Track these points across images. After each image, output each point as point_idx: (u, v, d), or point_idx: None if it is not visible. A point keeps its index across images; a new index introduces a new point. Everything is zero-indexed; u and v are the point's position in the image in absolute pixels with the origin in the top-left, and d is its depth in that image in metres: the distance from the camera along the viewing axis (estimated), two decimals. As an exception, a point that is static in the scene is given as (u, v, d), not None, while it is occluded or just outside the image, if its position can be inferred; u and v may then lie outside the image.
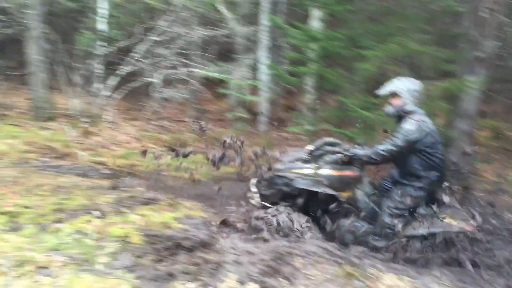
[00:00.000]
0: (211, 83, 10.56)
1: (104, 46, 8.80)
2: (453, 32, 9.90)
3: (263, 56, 8.02)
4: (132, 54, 9.40)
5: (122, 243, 3.97)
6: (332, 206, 4.68)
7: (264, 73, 7.96)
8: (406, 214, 4.64)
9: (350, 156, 4.66)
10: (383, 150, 4.56)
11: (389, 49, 6.31)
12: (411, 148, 4.55)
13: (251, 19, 11.40)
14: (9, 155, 6.50)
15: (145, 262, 3.78)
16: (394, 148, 4.54)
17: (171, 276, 3.61)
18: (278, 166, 4.86)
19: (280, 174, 4.77)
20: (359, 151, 4.67)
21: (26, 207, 4.47)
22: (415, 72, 8.06)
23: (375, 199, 4.89)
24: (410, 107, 4.62)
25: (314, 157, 4.78)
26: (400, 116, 4.69)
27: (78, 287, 3.07)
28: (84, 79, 8.73)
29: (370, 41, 6.74)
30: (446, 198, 4.71)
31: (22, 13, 9.03)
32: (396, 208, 4.63)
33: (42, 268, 3.29)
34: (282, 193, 4.75)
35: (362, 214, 4.77)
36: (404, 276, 4.14)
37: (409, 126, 4.51)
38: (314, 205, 4.78)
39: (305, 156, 4.82)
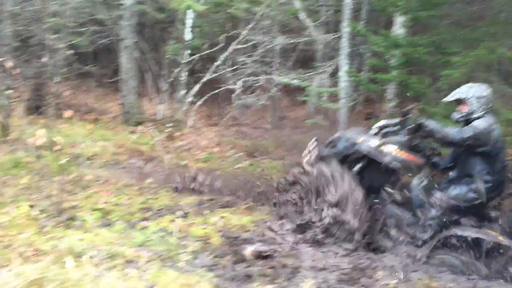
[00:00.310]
0: (290, 90, 10.68)
1: (188, 55, 9.21)
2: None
3: (343, 63, 7.98)
4: (214, 62, 9.74)
5: (203, 243, 4.15)
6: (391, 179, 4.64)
7: (344, 80, 7.90)
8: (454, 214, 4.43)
9: (420, 124, 4.40)
10: (452, 134, 4.31)
11: (477, 55, 6.01)
12: (476, 145, 4.30)
13: (332, 26, 11.39)
14: (101, 157, 6.99)
15: (224, 262, 3.91)
16: (461, 136, 4.27)
17: (248, 277, 3.71)
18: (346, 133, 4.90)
19: (346, 136, 4.78)
20: (432, 123, 4.42)
21: (117, 205, 4.81)
22: (505, 79, 7.62)
23: (427, 193, 4.63)
24: (477, 114, 4.40)
25: (382, 134, 4.71)
26: (468, 123, 4.45)
27: (162, 281, 3.24)
28: (169, 86, 9.20)
29: (456, 47, 6.46)
30: (493, 213, 4.48)
31: (116, 24, 9.71)
32: (446, 204, 4.41)
33: (130, 262, 3.52)
34: (342, 155, 4.67)
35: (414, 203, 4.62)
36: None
37: (481, 122, 4.28)
38: (370, 175, 4.69)
39: (374, 130, 4.78)
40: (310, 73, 8.87)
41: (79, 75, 12.44)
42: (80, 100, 11.53)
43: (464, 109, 4.49)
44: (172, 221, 4.50)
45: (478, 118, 4.38)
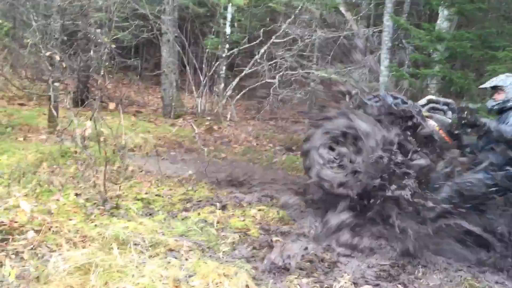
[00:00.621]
0: (329, 85, 10.60)
1: (227, 49, 9.31)
2: None
3: (384, 58, 7.86)
4: (253, 56, 9.80)
5: (241, 234, 4.22)
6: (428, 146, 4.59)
7: (384, 75, 7.78)
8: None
9: (480, 123, 4.39)
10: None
11: (524, 50, 5.82)
12: None
13: (373, 20, 11.22)
14: (143, 148, 7.18)
15: (261, 254, 3.97)
16: None
17: (286, 269, 3.75)
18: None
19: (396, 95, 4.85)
20: (492, 123, 4.38)
21: (158, 195, 4.95)
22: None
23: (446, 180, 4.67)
24: None
25: (429, 108, 4.76)
26: (502, 111, 4.50)
27: (202, 271, 3.33)
28: (209, 79, 9.32)
29: (503, 41, 6.26)
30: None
31: (158, 18, 9.89)
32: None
33: (172, 250, 3.63)
34: (385, 111, 4.64)
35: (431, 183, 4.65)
36: None
37: None
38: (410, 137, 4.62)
39: (422, 101, 4.87)
40: (350, 68, 8.76)
41: (121, 68, 12.78)
42: (122, 93, 11.83)
43: (500, 96, 4.53)
44: (212, 212, 4.59)
45: None
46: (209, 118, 9.04)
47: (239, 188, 5.78)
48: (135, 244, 3.50)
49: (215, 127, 8.88)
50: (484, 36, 6.31)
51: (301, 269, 3.81)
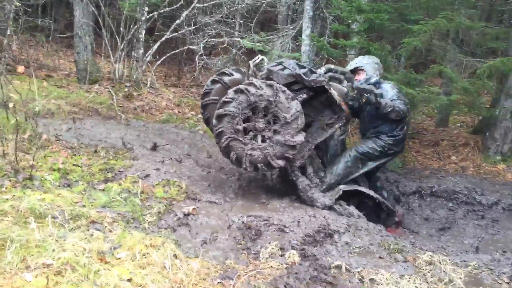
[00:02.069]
0: (251, 53, 10.57)
1: (147, 12, 8.86)
2: (504, 8, 9.54)
3: (306, 27, 7.92)
4: (174, 20, 9.45)
5: (167, 204, 4.13)
6: (328, 119, 4.86)
7: (305, 44, 7.87)
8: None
9: (372, 96, 4.90)
10: (402, 104, 4.89)
11: (437, 24, 6.12)
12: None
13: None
14: (56, 115, 6.72)
15: (188, 223, 3.93)
16: (407, 105, 4.97)
17: (213, 239, 3.75)
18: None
19: (301, 64, 4.92)
20: (384, 99, 4.90)
21: (76, 165, 4.67)
22: (462, 48, 7.85)
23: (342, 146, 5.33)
24: (375, 78, 5.15)
25: (328, 76, 4.90)
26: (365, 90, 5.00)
27: (128, 242, 3.22)
28: (127, 44, 8.85)
29: (418, 15, 6.55)
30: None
31: (69, -25, 9.16)
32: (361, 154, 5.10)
33: (94, 223, 3.46)
34: (294, 79, 4.71)
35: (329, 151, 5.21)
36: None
37: (396, 88, 5.05)
38: (310, 109, 4.84)
39: (321, 70, 5.00)
40: (272, 36, 8.76)
41: (27, 28, 11.76)
42: (29, 55, 10.92)
43: (362, 76, 5.19)
44: (135, 182, 4.42)
45: (375, 83, 5.06)
46: (127, 84, 8.63)
47: (161, 153, 5.65)
48: (54, 217, 3.30)
49: (135, 94, 8.51)
50: (400, 9, 6.56)
51: (228, 236, 3.84)
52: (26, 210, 3.27)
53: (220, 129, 4.31)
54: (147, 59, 9.08)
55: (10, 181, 3.89)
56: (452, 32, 7.32)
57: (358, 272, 3.55)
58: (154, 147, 5.75)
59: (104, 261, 2.94)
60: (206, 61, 9.23)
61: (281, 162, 4.37)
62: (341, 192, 4.86)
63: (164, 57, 9.62)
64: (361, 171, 5.12)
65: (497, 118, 7.16)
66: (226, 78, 5.14)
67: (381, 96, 4.92)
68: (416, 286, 3.43)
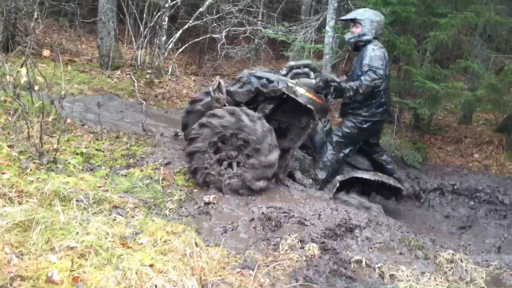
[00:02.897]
0: (274, 43, 10.49)
1: (170, -1, 8.86)
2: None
3: (330, 18, 7.82)
4: (197, 8, 9.42)
5: (188, 191, 4.15)
6: (303, 120, 4.76)
7: (329, 36, 7.77)
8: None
9: (334, 86, 4.63)
10: (367, 81, 4.58)
11: (466, 18, 5.99)
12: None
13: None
14: (80, 100, 6.79)
15: (209, 212, 3.94)
16: (377, 77, 4.58)
17: (234, 228, 3.76)
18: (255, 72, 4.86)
19: (259, 74, 4.74)
20: (344, 83, 4.67)
21: (99, 150, 4.71)
22: (489, 44, 7.68)
23: (328, 135, 5.09)
24: (369, 36, 4.78)
25: (292, 74, 4.74)
26: (357, 45, 4.87)
27: (150, 228, 3.24)
28: (150, 31, 8.87)
29: (446, 8, 6.41)
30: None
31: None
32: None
33: (117, 207, 3.50)
34: (254, 93, 4.66)
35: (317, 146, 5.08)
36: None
37: (377, 52, 4.65)
38: (282, 115, 4.82)
39: (283, 71, 4.80)
40: (296, 27, 8.68)
41: (51, 13, 11.86)
42: (52, 39, 11.02)
43: (357, 30, 4.85)
44: (156, 169, 4.45)
45: (367, 41, 4.76)
46: (149, 71, 8.65)
47: (182, 142, 5.66)
48: (78, 201, 3.33)
49: (156, 81, 8.54)
50: (428, 1, 6.43)
51: (248, 226, 3.84)
52: (51, 193, 3.32)
53: (194, 166, 4.28)
54: (169, 46, 9.08)
55: (34, 163, 3.95)
56: (479, 27, 7.16)
57: (378, 267, 3.52)
58: (176, 135, 5.76)
59: (126, 246, 2.97)
60: (228, 50, 9.18)
61: (262, 184, 4.31)
62: (338, 184, 4.81)
63: (186, 45, 9.61)
64: (350, 154, 4.99)
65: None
66: (197, 106, 5.11)
67: (346, 81, 4.75)
68: (437, 284, 3.39)
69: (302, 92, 4.58)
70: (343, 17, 5.17)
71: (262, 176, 4.30)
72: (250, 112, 4.33)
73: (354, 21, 4.90)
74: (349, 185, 4.97)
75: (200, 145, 4.25)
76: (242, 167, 4.31)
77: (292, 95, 4.54)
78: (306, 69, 4.81)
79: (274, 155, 4.30)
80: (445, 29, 6.16)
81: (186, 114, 5.28)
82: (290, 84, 4.55)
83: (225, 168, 4.32)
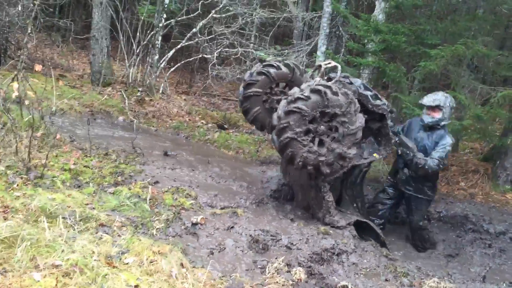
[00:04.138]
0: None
1: (164, 19, 8.93)
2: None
3: (321, 43, 7.96)
4: (190, 29, 9.51)
5: (175, 211, 4.11)
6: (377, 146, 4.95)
7: (320, 61, 7.89)
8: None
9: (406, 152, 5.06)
10: (429, 166, 5.05)
11: (456, 50, 6.13)
12: None
13: (311, 4, 11.33)
14: (69, 115, 6.76)
15: (195, 232, 3.91)
16: (435, 168, 5.06)
17: (221, 249, 3.74)
18: None
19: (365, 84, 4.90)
20: (419, 157, 5.07)
21: (87, 167, 4.68)
22: (476, 75, 7.84)
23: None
24: (447, 122, 5.23)
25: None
26: (433, 128, 5.22)
27: (136, 247, 3.21)
28: (142, 49, 8.92)
29: (436, 39, 6.57)
30: None
31: (90, -22, 9.26)
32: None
33: (103, 226, 3.45)
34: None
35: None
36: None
37: (451, 140, 5.15)
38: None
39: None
40: (287, 50, 8.80)
41: (44, 27, 11.88)
42: (44, 54, 11.03)
43: (437, 115, 5.18)
44: (144, 187, 4.42)
45: (443, 126, 5.20)
46: (140, 89, 8.67)
47: (170, 159, 5.66)
48: (64, 218, 3.29)
49: (147, 99, 8.55)
50: (418, 32, 6.58)
51: (235, 249, 3.82)
52: (37, 209, 3.27)
53: (285, 125, 4.10)
54: (161, 65, 9.13)
55: (21, 178, 3.91)
56: (467, 58, 7.32)
57: (364, 293, 3.51)
58: (165, 154, 5.76)
59: (112, 265, 2.93)
60: (219, 70, 9.25)
61: (328, 169, 4.26)
62: (354, 219, 4.78)
63: (178, 65, 9.67)
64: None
65: (508, 147, 7.12)
66: (272, 71, 4.95)
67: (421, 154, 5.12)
68: (422, 312, 3.39)
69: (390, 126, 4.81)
70: (426, 103, 5.23)
71: (334, 163, 4.26)
72: (357, 102, 4.29)
73: (437, 106, 5.17)
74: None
75: (303, 109, 4.07)
76: (334, 141, 4.24)
77: (388, 122, 4.76)
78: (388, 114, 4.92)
79: (354, 151, 4.31)
80: (435, 60, 6.28)
81: (243, 100, 5.08)
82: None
83: (309, 140, 4.18)
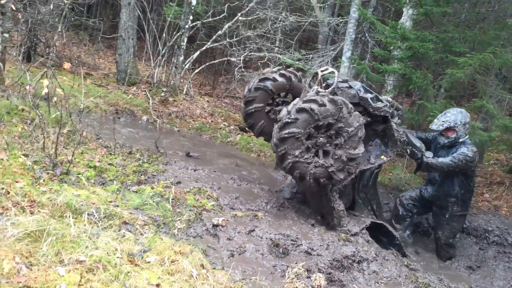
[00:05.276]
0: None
1: (190, 20, 9.01)
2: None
3: (346, 50, 7.91)
4: (216, 31, 9.57)
5: (197, 212, 4.13)
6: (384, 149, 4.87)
7: (345, 66, 7.85)
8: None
9: (418, 156, 5.03)
10: (451, 162, 5.01)
11: (484, 58, 6.02)
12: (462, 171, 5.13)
13: (337, 10, 11.28)
14: (95, 113, 6.87)
15: (216, 234, 3.92)
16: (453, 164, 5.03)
17: (242, 251, 3.73)
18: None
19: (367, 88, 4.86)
20: (432, 159, 5.03)
21: (111, 165, 4.74)
22: (504, 85, 7.69)
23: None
24: (464, 138, 5.15)
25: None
26: (452, 146, 5.17)
27: (158, 246, 3.23)
28: (168, 50, 9.01)
29: (464, 47, 6.46)
30: None
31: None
32: None
33: (126, 224, 3.49)
34: (357, 101, 4.67)
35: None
36: None
37: (469, 152, 5.03)
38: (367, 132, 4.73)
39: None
40: (312, 55, 8.77)
41: (72, 26, 12.10)
42: (71, 52, 11.22)
43: (452, 134, 5.16)
44: (167, 187, 4.45)
45: (462, 142, 5.13)
46: (164, 89, 8.75)
47: (194, 161, 5.69)
48: (89, 214, 3.33)
49: (170, 100, 8.62)
50: (446, 40, 6.48)
51: (255, 252, 3.81)
52: (63, 204, 3.32)
53: (284, 151, 4.14)
54: (186, 66, 9.20)
55: (48, 174, 3.97)
56: (495, 67, 7.19)
57: (385, 303, 3.47)
58: (187, 155, 5.79)
59: (134, 263, 2.96)
60: (244, 74, 9.28)
61: (342, 175, 4.26)
62: (368, 222, 4.75)
63: (202, 66, 9.73)
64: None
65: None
66: (269, 84, 5.05)
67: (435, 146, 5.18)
68: (443, 325, 3.33)
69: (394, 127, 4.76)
70: (435, 129, 5.22)
71: (345, 167, 4.26)
72: (349, 103, 4.27)
73: (448, 128, 5.15)
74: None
75: (295, 131, 4.09)
76: (328, 157, 4.23)
77: (392, 124, 4.73)
78: (395, 112, 4.93)
79: (360, 149, 4.27)
80: (462, 68, 6.18)
81: (246, 117, 5.21)
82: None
83: (312, 156, 4.21)
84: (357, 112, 4.31)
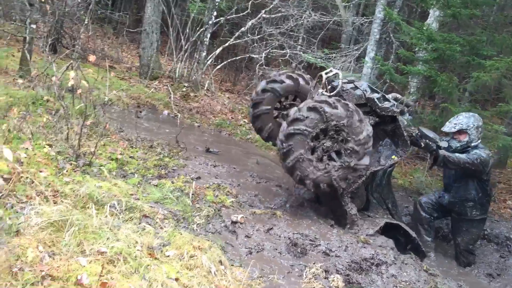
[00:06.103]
0: (311, 68, 10.54)
1: (214, 16, 9.03)
2: None
3: (371, 49, 7.83)
4: (239, 28, 9.57)
5: (216, 208, 4.14)
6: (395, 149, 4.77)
7: (368, 67, 7.77)
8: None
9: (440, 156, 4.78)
10: (467, 159, 4.82)
11: (511, 62, 5.89)
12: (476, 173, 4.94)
13: (362, 9, 11.17)
14: (117, 106, 6.93)
15: (235, 230, 3.92)
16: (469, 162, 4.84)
17: (260, 249, 3.73)
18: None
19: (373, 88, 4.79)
20: (449, 153, 4.83)
21: (132, 158, 4.78)
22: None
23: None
24: (476, 142, 5.00)
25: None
26: (464, 150, 5.00)
27: (177, 241, 3.24)
28: (191, 45, 9.04)
29: (492, 51, 6.34)
30: None
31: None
32: None
33: (147, 217, 3.51)
34: (364, 102, 4.61)
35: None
36: None
37: (482, 153, 4.87)
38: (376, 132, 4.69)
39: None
40: (335, 54, 8.71)
41: (96, 19, 12.23)
42: (96, 45, 11.34)
43: (464, 137, 5.03)
44: (187, 182, 4.47)
45: (474, 146, 4.97)
46: (186, 84, 8.80)
47: (213, 156, 5.71)
48: (111, 206, 3.36)
49: (191, 95, 8.66)
50: (473, 42, 6.36)
51: (273, 250, 3.81)
52: (85, 195, 3.36)
53: (289, 148, 4.08)
54: (208, 62, 9.22)
55: (71, 164, 4.03)
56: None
57: (403, 307, 3.43)
58: (207, 150, 5.81)
59: (153, 256, 2.98)
60: (265, 71, 9.27)
61: (343, 184, 4.21)
62: (383, 223, 4.69)
63: (224, 62, 9.75)
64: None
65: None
66: (276, 86, 5.03)
67: (446, 149, 4.86)
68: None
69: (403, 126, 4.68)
70: (447, 130, 5.12)
71: (347, 176, 4.20)
72: (361, 112, 4.20)
73: (460, 131, 5.04)
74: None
75: (303, 129, 4.04)
76: (333, 163, 4.16)
77: (401, 123, 4.64)
78: (405, 108, 4.84)
79: (366, 161, 4.19)
80: (489, 71, 6.07)
81: (254, 119, 5.25)
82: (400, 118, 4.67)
83: (316, 160, 4.14)
84: (368, 121, 4.25)
